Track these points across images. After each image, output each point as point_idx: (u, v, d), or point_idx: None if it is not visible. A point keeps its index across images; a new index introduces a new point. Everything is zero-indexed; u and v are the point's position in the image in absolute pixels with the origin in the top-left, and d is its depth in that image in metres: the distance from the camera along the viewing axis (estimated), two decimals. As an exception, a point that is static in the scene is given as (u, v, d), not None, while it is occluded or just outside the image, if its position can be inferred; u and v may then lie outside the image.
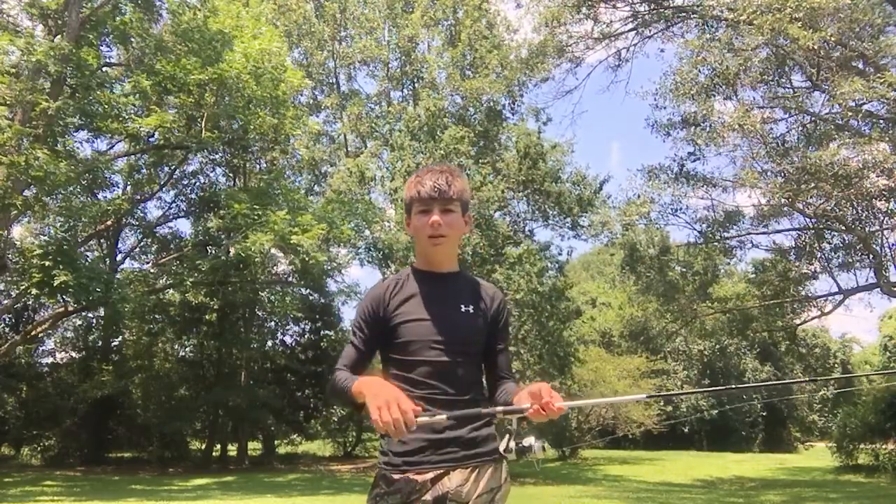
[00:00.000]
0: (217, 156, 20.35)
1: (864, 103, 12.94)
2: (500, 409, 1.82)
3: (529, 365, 17.37)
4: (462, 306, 1.97)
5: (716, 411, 33.42)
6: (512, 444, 1.79)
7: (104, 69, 15.66)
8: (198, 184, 21.66)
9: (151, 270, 19.81)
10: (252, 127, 16.29)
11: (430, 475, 1.83)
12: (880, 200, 14.27)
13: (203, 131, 15.24)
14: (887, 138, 12.40)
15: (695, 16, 14.45)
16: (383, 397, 1.62)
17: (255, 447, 24.74)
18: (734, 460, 24.49)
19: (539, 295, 17.29)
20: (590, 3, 14.90)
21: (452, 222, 1.96)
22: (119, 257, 21.77)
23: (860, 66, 13.55)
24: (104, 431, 21.62)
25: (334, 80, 22.15)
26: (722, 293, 19.40)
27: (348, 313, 25.23)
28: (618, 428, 27.31)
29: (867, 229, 15.51)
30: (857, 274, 17.18)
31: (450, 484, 1.82)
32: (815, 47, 11.75)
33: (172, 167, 20.01)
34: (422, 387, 1.87)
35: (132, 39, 15.28)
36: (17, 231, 16.90)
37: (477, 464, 1.86)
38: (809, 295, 18.52)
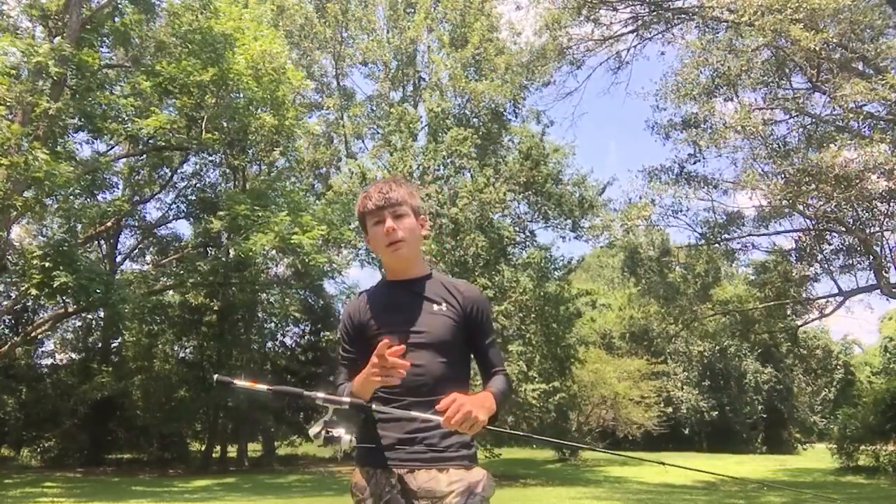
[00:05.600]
0: (216, 157, 20.33)
1: (865, 105, 12.92)
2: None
3: (533, 365, 17.37)
4: (435, 306, 2.00)
5: (716, 413, 33.49)
6: (322, 431, 1.82)
7: (104, 70, 15.64)
8: (197, 185, 21.66)
9: (151, 272, 19.78)
10: (252, 128, 16.27)
11: (396, 475, 1.89)
12: (881, 202, 14.26)
13: (203, 132, 15.23)
14: (888, 139, 12.38)
15: (695, 17, 14.43)
16: (369, 367, 1.82)
17: (254, 448, 24.71)
18: (735, 461, 24.43)
19: (544, 299, 17.32)
20: (590, 4, 14.88)
21: (407, 226, 2.00)
22: (119, 258, 21.76)
23: (860, 67, 13.54)
24: (104, 433, 21.54)
25: (335, 80, 22.14)
26: (723, 295, 19.35)
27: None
28: (618, 429, 27.31)
29: (867, 231, 15.49)
30: (858, 275, 17.18)
31: (416, 482, 1.86)
32: (816, 49, 11.72)
33: (172, 169, 19.98)
34: (401, 390, 1.90)
35: (133, 40, 15.27)
36: (15, 232, 16.87)
37: (443, 465, 1.88)
38: (810, 297, 18.49)
